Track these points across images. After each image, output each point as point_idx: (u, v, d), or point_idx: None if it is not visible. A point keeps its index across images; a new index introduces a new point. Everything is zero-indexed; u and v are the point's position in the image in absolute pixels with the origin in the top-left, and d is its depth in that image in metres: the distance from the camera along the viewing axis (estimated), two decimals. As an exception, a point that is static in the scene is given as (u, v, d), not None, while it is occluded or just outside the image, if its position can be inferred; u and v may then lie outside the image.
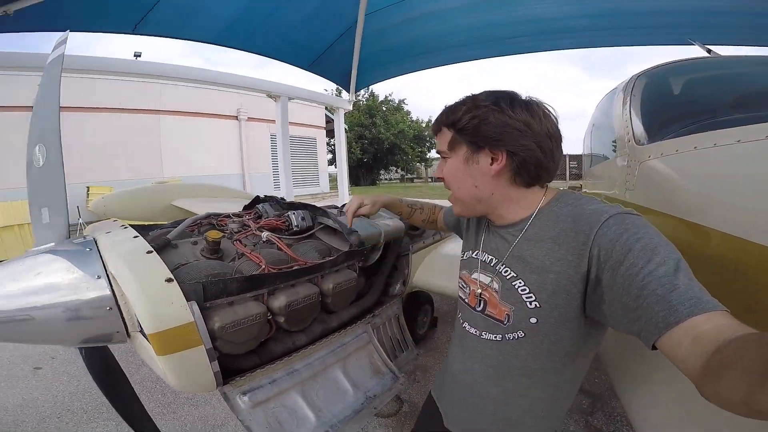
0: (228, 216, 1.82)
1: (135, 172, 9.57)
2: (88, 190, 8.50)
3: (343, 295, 1.41)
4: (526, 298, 0.72)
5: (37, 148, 1.24)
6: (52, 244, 1.22)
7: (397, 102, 25.68)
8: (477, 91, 0.78)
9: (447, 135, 0.79)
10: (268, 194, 2.16)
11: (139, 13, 3.14)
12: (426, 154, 28.30)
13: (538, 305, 0.71)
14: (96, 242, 1.17)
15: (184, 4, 3.31)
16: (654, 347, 0.53)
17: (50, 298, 1.05)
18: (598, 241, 0.63)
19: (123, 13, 3.15)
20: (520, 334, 0.75)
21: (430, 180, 30.00)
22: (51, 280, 1.10)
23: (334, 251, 1.59)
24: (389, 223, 1.77)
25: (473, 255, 0.88)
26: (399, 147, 24.77)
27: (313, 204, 1.81)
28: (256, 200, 2.17)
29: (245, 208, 2.15)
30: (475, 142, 0.75)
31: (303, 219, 1.69)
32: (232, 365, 1.19)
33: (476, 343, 0.85)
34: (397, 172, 30.40)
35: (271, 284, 1.14)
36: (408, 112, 26.29)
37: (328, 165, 15.59)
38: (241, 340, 1.09)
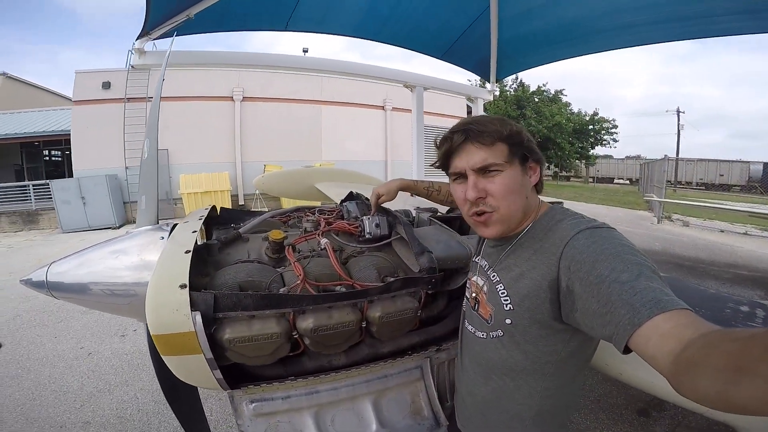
0: (314, 212, 1.80)
1: (300, 154, 11.15)
2: (264, 168, 10.20)
3: (393, 326, 1.19)
4: (504, 300, 0.81)
5: (146, 142, 1.40)
6: (149, 227, 1.38)
7: (552, 93, 22.89)
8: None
9: (501, 148, 0.80)
10: (360, 192, 2.08)
11: (287, 12, 3.41)
12: (588, 151, 24.61)
13: (511, 307, 0.79)
14: (170, 233, 1.27)
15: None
16: (628, 350, 0.56)
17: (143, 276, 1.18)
18: (567, 253, 0.69)
19: (276, 13, 3.47)
20: (500, 333, 0.83)
21: (591, 180, 26.14)
22: (148, 259, 1.24)
23: (401, 271, 1.37)
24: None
25: (475, 259, 0.98)
26: (553, 141, 22.12)
27: (394, 212, 1.61)
28: (350, 196, 2.11)
29: (341, 201, 2.12)
30: (528, 155, 0.81)
31: (377, 226, 1.52)
32: (251, 370, 1.15)
33: (471, 340, 0.94)
34: (549, 168, 27.34)
35: (292, 305, 1.01)
36: (567, 104, 23.19)
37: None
38: (251, 355, 1.02)
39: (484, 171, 0.79)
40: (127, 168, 9.15)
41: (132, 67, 3.22)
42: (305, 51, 13.35)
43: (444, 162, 0.86)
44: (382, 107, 12.71)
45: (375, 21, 3.90)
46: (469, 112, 12.91)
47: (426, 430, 1.27)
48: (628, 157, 29.90)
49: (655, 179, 11.92)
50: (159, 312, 0.90)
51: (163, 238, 1.26)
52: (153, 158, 1.36)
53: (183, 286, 0.92)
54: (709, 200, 12.09)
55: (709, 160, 22.81)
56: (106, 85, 9.27)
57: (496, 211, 0.79)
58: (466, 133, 0.80)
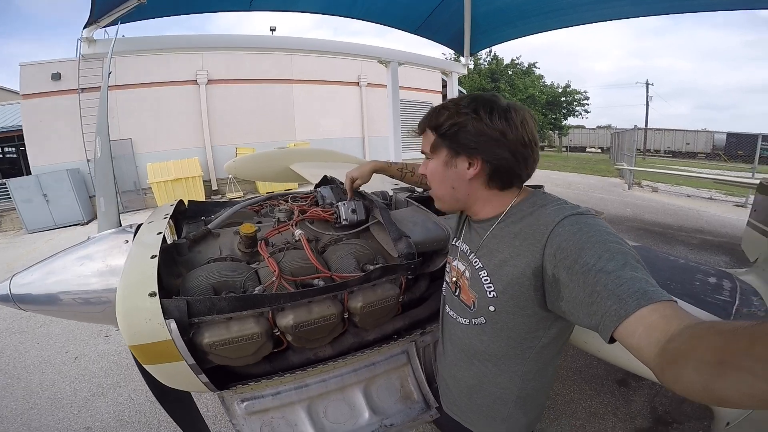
0: (286, 200, 1.73)
1: (273, 135, 10.88)
2: (236, 151, 9.89)
3: (376, 315, 1.17)
4: (487, 287, 0.80)
5: (97, 140, 1.29)
6: (112, 230, 1.29)
7: (526, 65, 22.94)
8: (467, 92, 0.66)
9: (430, 137, 0.84)
10: (335, 176, 2.02)
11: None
12: (561, 122, 25.01)
13: (495, 295, 0.78)
14: (135, 235, 1.20)
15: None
16: (613, 340, 0.57)
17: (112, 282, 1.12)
18: (553, 240, 0.68)
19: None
20: (482, 320, 0.83)
21: (564, 150, 26.70)
22: (114, 264, 1.18)
23: (381, 257, 1.34)
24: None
25: (455, 243, 0.96)
26: (527, 113, 22.34)
27: (370, 195, 1.57)
28: (324, 180, 2.05)
29: (316, 186, 2.05)
30: (454, 148, 0.79)
31: (354, 212, 1.48)
32: (237, 369, 1.12)
33: (452, 326, 0.94)
34: (524, 139, 27.70)
35: (270, 304, 0.97)
36: (540, 77, 23.35)
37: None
38: (234, 356, 0.99)
39: (426, 156, 0.88)
40: (89, 161, 8.65)
41: (82, 56, 2.99)
42: (273, 30, 12.79)
43: None
44: (357, 83, 12.43)
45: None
46: (444, 86, 12.89)
47: (417, 412, 1.28)
48: (599, 127, 30.52)
49: (625, 148, 12.26)
50: (131, 322, 0.85)
51: (127, 241, 1.19)
52: (107, 156, 1.27)
53: (152, 294, 0.87)
54: (676, 167, 12.56)
55: (676, 130, 23.53)
56: (56, 77, 8.63)
57: (434, 191, 0.88)
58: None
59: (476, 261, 0.83)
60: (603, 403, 2.17)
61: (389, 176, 1.42)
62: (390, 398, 1.27)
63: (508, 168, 0.77)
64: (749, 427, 0.96)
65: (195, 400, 1.41)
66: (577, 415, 2.09)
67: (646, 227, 5.97)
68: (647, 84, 30.39)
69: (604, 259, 0.60)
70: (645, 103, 30.33)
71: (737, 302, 1.45)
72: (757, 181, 4.15)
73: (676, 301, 0.54)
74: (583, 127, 29.76)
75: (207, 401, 2.23)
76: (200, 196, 9.26)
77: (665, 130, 23.99)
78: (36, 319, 3.63)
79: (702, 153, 21.40)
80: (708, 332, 0.42)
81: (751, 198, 7.17)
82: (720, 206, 7.66)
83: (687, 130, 23.15)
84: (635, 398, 2.22)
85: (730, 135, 20.33)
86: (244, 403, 1.10)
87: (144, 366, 0.93)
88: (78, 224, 8.43)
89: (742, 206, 7.37)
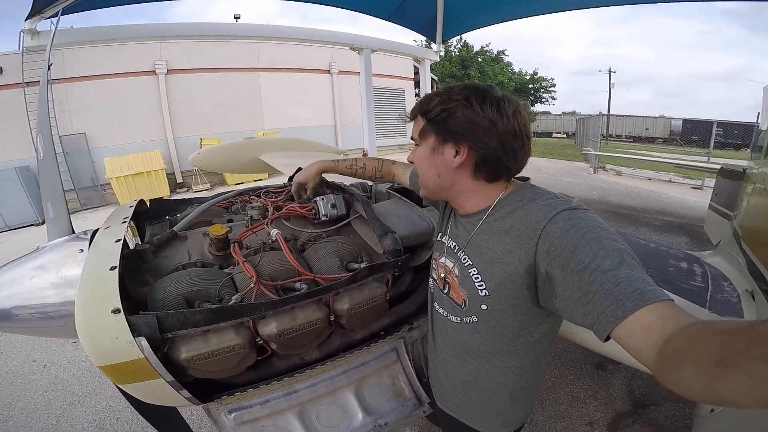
0: (259, 195, 1.63)
1: (240, 125, 10.50)
2: (201, 142, 9.47)
3: (363, 316, 1.12)
4: (478, 285, 0.77)
5: (38, 139, 1.15)
6: (64, 238, 1.17)
7: (495, 53, 23.18)
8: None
9: (420, 123, 0.81)
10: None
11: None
12: (529, 108, 25.48)
13: (487, 293, 0.76)
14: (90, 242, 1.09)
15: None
16: (607, 338, 0.56)
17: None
18: (545, 237, 0.67)
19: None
20: (474, 318, 0.81)
21: (532, 135, 27.44)
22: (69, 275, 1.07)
23: (365, 255, 1.28)
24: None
25: (441, 239, 0.93)
26: (497, 99, 22.65)
27: (350, 188, 1.49)
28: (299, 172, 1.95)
29: (290, 179, 1.95)
30: (441, 134, 0.77)
31: (333, 207, 1.40)
32: (220, 381, 1.04)
33: (443, 324, 0.92)
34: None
35: (250, 314, 0.90)
36: (509, 64, 23.66)
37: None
38: (216, 370, 0.92)
39: (414, 142, 0.85)
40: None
41: (26, 49, 2.72)
42: (237, 18, 12.21)
43: None
44: (328, 71, 12.14)
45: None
46: (416, 72, 12.82)
47: (410, 409, 1.26)
48: (564, 113, 31.47)
49: (590, 133, 12.68)
50: (95, 342, 0.76)
51: (82, 250, 1.07)
52: (51, 157, 1.14)
53: (116, 311, 0.78)
54: (638, 151, 13.13)
55: (636, 116, 24.63)
56: (-2, 71, 7.90)
57: (420, 178, 0.86)
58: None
59: (465, 258, 0.81)
60: (584, 387, 2.23)
61: (339, 174, 1.35)
62: (382, 397, 1.25)
63: (496, 158, 0.74)
64: (732, 414, 0.98)
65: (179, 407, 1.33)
66: (561, 400, 2.14)
67: (612, 209, 6.21)
68: (610, 72, 31.49)
69: (599, 257, 0.59)
70: (608, 90, 31.46)
71: (710, 288, 1.49)
72: (716, 166, 4.37)
73: (672, 300, 0.53)
74: (549, 113, 30.55)
75: (192, 407, 2.13)
76: (164, 190, 8.84)
77: (626, 116, 25.05)
78: None
79: (660, 138, 22.50)
80: (706, 333, 0.42)
81: (707, 181, 7.63)
82: (679, 188, 8.08)
83: (646, 116, 24.29)
84: (613, 381, 2.29)
85: (686, 121, 21.51)
86: (233, 414, 1.04)
87: (118, 386, 0.85)
88: (32, 224, 7.84)
89: (699, 188, 7.81)
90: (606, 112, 25.14)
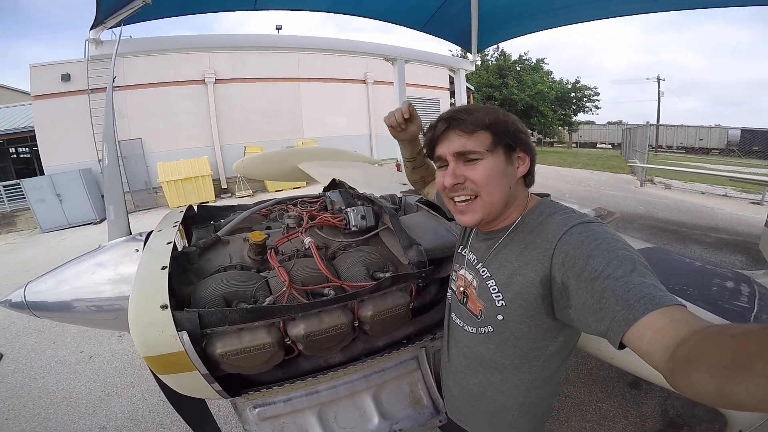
0: (295, 204, 1.73)
1: (281, 133, 10.94)
2: (244, 149, 9.95)
3: (386, 323, 1.16)
4: (495, 296, 0.79)
5: (104, 147, 1.30)
6: (122, 238, 1.30)
7: (534, 61, 22.67)
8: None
9: (484, 136, 0.78)
10: (352, 178, 2.01)
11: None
12: (571, 118, 24.70)
13: (503, 304, 0.78)
14: (144, 243, 1.21)
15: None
16: (622, 346, 0.56)
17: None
18: (560, 249, 0.69)
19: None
20: (490, 329, 0.82)
21: (574, 146, 26.41)
22: (125, 273, 1.20)
23: (391, 265, 1.33)
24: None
25: (461, 252, 0.95)
26: (536, 109, 22.02)
27: (379, 200, 1.56)
28: (333, 184, 2.04)
29: (324, 189, 2.04)
30: (514, 144, 0.79)
31: (363, 218, 1.46)
32: (249, 377, 1.13)
33: (459, 334, 0.93)
34: (533, 135, 27.43)
35: (281, 315, 0.97)
36: (549, 72, 23.06)
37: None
38: (246, 366, 0.99)
39: (464, 158, 0.78)
40: (100, 161, 8.79)
41: (90, 57, 3.01)
42: (279, 29, 12.80)
43: (429, 150, 0.87)
44: (363, 81, 12.42)
45: (352, -5, 3.71)
46: (452, 82, 12.80)
47: (426, 418, 1.28)
48: (609, 123, 30.13)
49: (637, 144, 12.05)
50: (144, 334, 0.86)
51: (137, 250, 1.20)
52: (114, 164, 1.28)
53: (164, 307, 0.87)
54: (690, 163, 12.32)
55: (688, 126, 23.18)
56: (66, 78, 8.75)
57: (477, 198, 0.79)
58: (449, 121, 0.80)
59: (484, 271, 0.83)
60: (614, 406, 2.15)
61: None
62: (399, 404, 1.28)
63: (533, 163, 0.83)
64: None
65: (208, 403, 1.43)
66: (587, 418, 2.08)
67: (659, 225, 5.87)
68: (658, 79, 29.80)
69: (612, 265, 0.60)
70: (656, 98, 29.76)
71: (756, 308, 1.41)
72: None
73: (685, 306, 0.53)
74: (593, 122, 29.40)
75: (219, 403, 2.25)
76: (210, 195, 9.35)
77: (677, 126, 23.57)
78: (51, 321, 3.69)
79: (716, 149, 20.98)
80: (719, 336, 0.42)
81: (768, 195, 7.03)
82: (735, 203, 7.48)
83: (700, 126, 22.76)
84: (646, 401, 2.19)
85: (744, 131, 19.93)
86: (256, 409, 1.11)
87: (158, 375, 0.94)
88: (91, 223, 8.56)
89: (758, 203, 7.21)
90: (654, 122, 23.78)
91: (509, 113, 0.81)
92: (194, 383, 0.94)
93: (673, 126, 23.73)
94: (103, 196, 8.79)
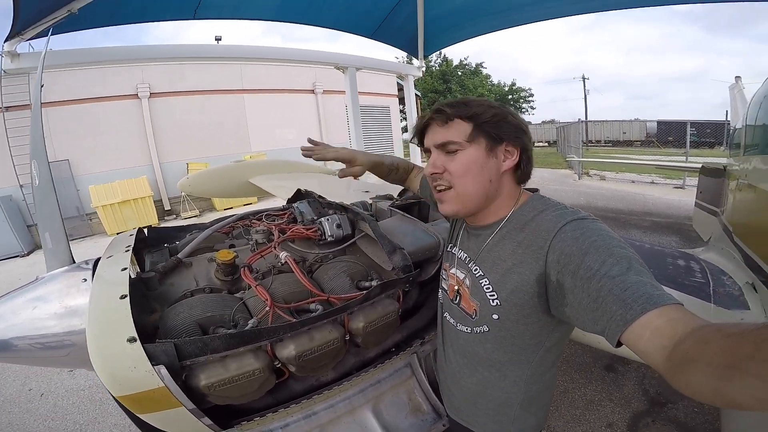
0: (260, 219, 1.62)
1: (227, 148, 10.41)
2: (187, 167, 9.38)
3: (378, 333, 1.11)
4: (489, 295, 0.78)
5: (33, 164, 1.13)
6: (64, 268, 1.14)
7: (474, 66, 23.86)
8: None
9: (463, 126, 0.77)
10: (309, 189, 1.92)
11: (195, -1, 3.04)
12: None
13: (498, 303, 0.77)
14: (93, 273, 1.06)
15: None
16: (619, 344, 0.57)
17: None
18: (555, 246, 0.68)
19: (181, 0, 3.07)
20: (485, 328, 0.81)
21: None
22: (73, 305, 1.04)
23: (374, 273, 1.27)
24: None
25: (452, 250, 0.93)
26: (478, 112, 23.16)
27: (353, 207, 1.50)
28: (298, 194, 1.95)
29: (289, 201, 1.94)
30: (497, 137, 0.76)
31: (339, 227, 1.40)
32: (239, 405, 1.03)
33: (453, 334, 0.92)
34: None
35: (269, 337, 0.88)
36: (487, 76, 24.39)
37: (403, 132, 15.10)
38: (237, 395, 0.90)
39: (445, 149, 0.79)
40: (22, 186, 7.81)
41: (4, 72, 2.67)
42: (218, 39, 12.28)
43: (419, 140, 0.88)
44: (312, 91, 12.25)
45: (298, 2, 3.64)
46: (400, 89, 13.04)
47: (429, 424, 1.25)
48: (544, 122, 32.33)
49: (571, 140, 13.03)
50: (113, 372, 0.75)
51: (85, 279, 1.04)
52: (47, 183, 1.10)
53: (132, 340, 0.76)
54: (619, 155, 13.50)
55: (613, 121, 25.55)
56: (-26, 95, 7.74)
57: (452, 189, 0.79)
58: (433, 112, 0.81)
59: (476, 269, 0.81)
60: (597, 390, 2.24)
61: (377, 174, 1.25)
62: (400, 413, 1.24)
63: (530, 159, 0.79)
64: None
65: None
66: (576, 404, 2.14)
67: (600, 214, 6.33)
68: (584, 78, 32.60)
69: (608, 264, 0.60)
70: (583, 96, 32.51)
71: (711, 283, 1.53)
72: (695, 165, 4.52)
73: (681, 304, 0.53)
74: (530, 123, 31.35)
75: None
76: (152, 218, 8.68)
77: (603, 121, 25.85)
78: None
79: (637, 141, 23.25)
80: (715, 336, 0.42)
81: (688, 180, 7.86)
82: (662, 189, 8.32)
83: (623, 120, 25.12)
84: (625, 382, 2.30)
85: (660, 123, 22.30)
86: None
87: (138, 416, 0.82)
88: (17, 256, 7.59)
89: (681, 188, 8.05)
90: (584, 119, 25.90)
91: (505, 107, 0.79)
92: (180, 420, 0.84)
93: (600, 122, 26.02)
94: (29, 226, 7.89)
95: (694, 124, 13.16)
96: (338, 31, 4.67)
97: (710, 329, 0.44)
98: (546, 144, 27.46)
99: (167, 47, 4.17)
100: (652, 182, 9.10)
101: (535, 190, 0.86)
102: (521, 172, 0.80)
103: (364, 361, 1.25)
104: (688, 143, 9.94)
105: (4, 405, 2.61)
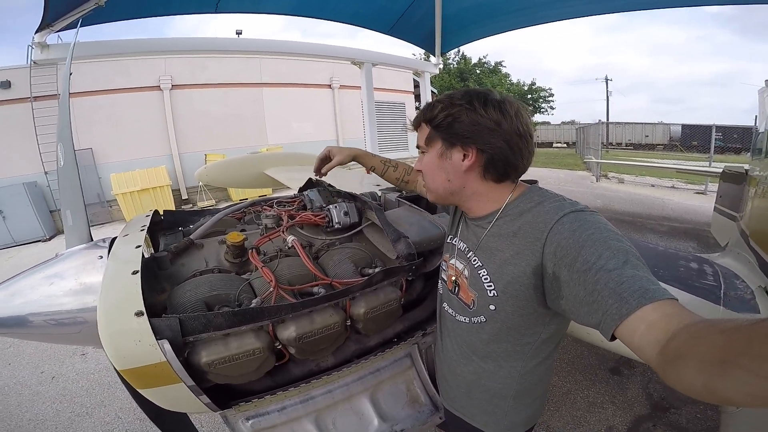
0: (271, 205, 1.65)
1: (244, 140, 10.59)
2: (206, 157, 9.56)
3: (379, 320, 1.13)
4: (487, 286, 0.79)
5: (59, 147, 1.18)
6: (82, 245, 1.18)
7: (493, 64, 23.52)
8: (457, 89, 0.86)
9: (425, 130, 0.83)
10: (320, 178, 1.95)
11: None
12: (528, 110, 25.86)
13: (495, 294, 0.77)
14: (109, 250, 1.10)
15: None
16: (613, 338, 0.57)
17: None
18: (552, 238, 0.68)
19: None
20: (482, 318, 0.82)
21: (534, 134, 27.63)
22: (88, 282, 1.08)
23: (378, 260, 1.29)
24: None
25: (452, 241, 0.94)
26: (496, 111, 22.88)
27: (362, 196, 1.52)
28: (309, 183, 1.98)
29: (300, 189, 1.97)
30: (448, 139, 0.78)
31: (346, 214, 1.42)
32: (238, 386, 1.06)
33: (451, 323, 0.93)
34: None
35: (270, 317, 0.91)
36: (506, 75, 24.00)
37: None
38: (236, 374, 0.92)
39: (420, 150, 0.87)
40: (47, 173, 8.10)
41: (34, 62, 2.77)
42: (239, 33, 12.45)
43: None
44: (329, 86, 12.32)
45: (317, -1, 3.66)
46: (416, 86, 13.00)
47: (426, 415, 1.26)
48: (564, 123, 31.75)
49: (590, 142, 12.76)
50: (118, 345, 0.77)
51: (101, 257, 1.09)
52: (71, 165, 1.15)
53: (139, 314, 0.78)
54: (640, 158, 13.16)
55: (635, 123, 24.90)
56: (5, 85, 8.01)
57: (428, 184, 0.87)
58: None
59: (475, 260, 0.82)
60: (600, 393, 2.21)
61: (369, 167, 1.34)
62: (397, 403, 1.25)
63: (504, 158, 0.76)
64: (759, 409, 0.97)
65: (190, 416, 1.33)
66: (577, 406, 2.12)
67: (617, 217, 6.20)
68: (606, 80, 31.88)
69: (604, 257, 0.60)
70: (605, 98, 31.81)
71: (723, 286, 1.49)
72: (718, 170, 4.39)
73: (677, 299, 0.53)
74: (549, 123, 30.82)
75: (201, 417, 2.12)
76: (170, 206, 8.88)
77: (625, 123, 25.24)
78: (4, 340, 3.39)
79: (660, 144, 22.60)
80: (708, 331, 0.42)
81: (710, 186, 7.63)
82: (682, 194, 8.08)
83: (645, 123, 24.48)
84: (630, 386, 2.27)
85: (684, 126, 21.65)
86: (250, 421, 1.04)
87: (139, 390, 0.85)
88: (39, 240, 7.89)
89: (702, 193, 7.81)
90: (605, 120, 25.36)
91: (474, 101, 0.75)
92: (180, 396, 0.86)
93: (622, 124, 25.39)
94: (52, 211, 8.19)
95: (720, 128, 12.75)
96: (356, 29, 4.70)
97: (704, 324, 0.44)
98: (565, 145, 26.99)
99: (189, 40, 4.25)
100: (673, 187, 8.84)
101: (533, 182, 0.86)
102: (494, 171, 0.77)
103: (365, 349, 1.26)
104: (712, 148, 9.64)
105: (16, 387, 2.71)
